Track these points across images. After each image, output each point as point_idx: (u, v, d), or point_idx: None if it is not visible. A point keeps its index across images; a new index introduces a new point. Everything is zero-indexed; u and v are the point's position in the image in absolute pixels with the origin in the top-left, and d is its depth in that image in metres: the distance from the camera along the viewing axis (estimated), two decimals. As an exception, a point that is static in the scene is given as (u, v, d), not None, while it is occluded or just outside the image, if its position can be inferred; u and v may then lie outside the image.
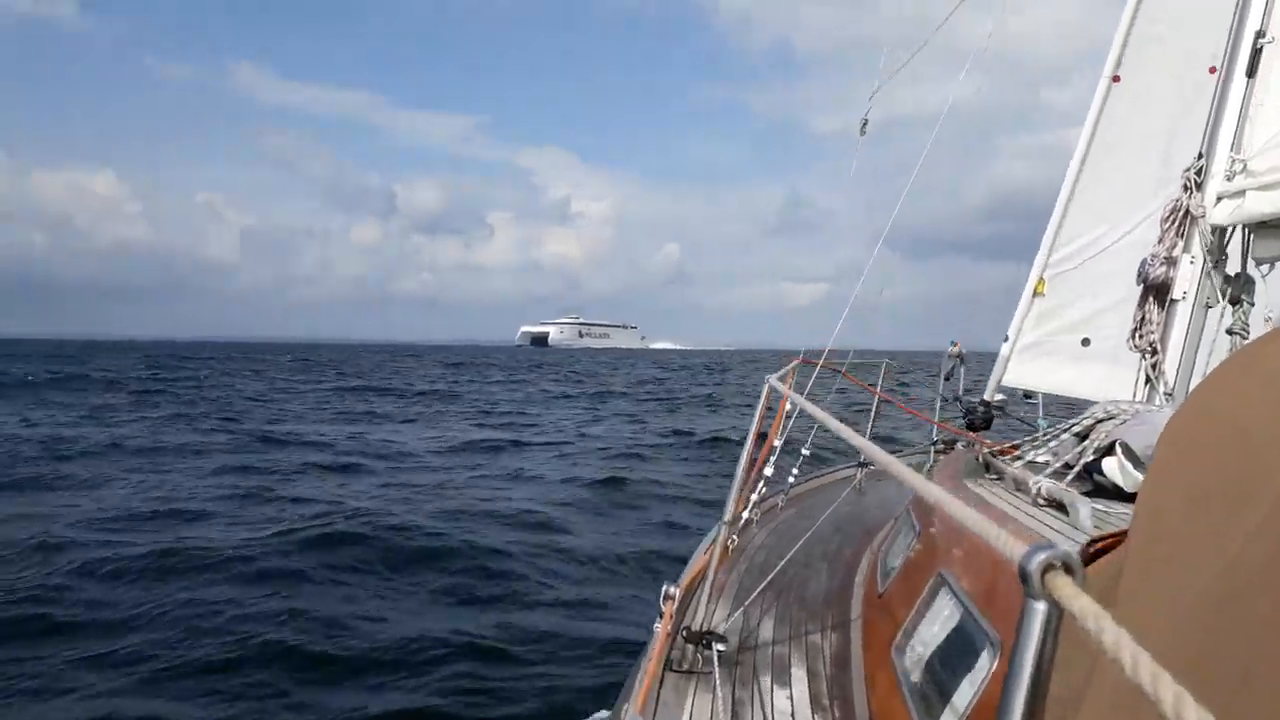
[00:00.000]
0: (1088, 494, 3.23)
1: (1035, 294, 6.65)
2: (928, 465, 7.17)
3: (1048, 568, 0.80)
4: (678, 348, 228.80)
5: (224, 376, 54.60)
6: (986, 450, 4.42)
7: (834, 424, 2.11)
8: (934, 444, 7.69)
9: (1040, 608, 0.82)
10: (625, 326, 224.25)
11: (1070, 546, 2.37)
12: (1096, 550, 2.02)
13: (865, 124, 6.90)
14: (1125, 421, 3.41)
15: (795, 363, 5.05)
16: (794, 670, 3.68)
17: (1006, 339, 6.72)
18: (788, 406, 5.06)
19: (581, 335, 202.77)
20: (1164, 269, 4.32)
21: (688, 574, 4.28)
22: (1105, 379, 6.08)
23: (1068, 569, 0.80)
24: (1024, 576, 0.82)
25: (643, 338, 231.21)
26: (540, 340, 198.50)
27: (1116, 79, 6.33)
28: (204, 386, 43.79)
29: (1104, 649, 0.68)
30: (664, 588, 3.81)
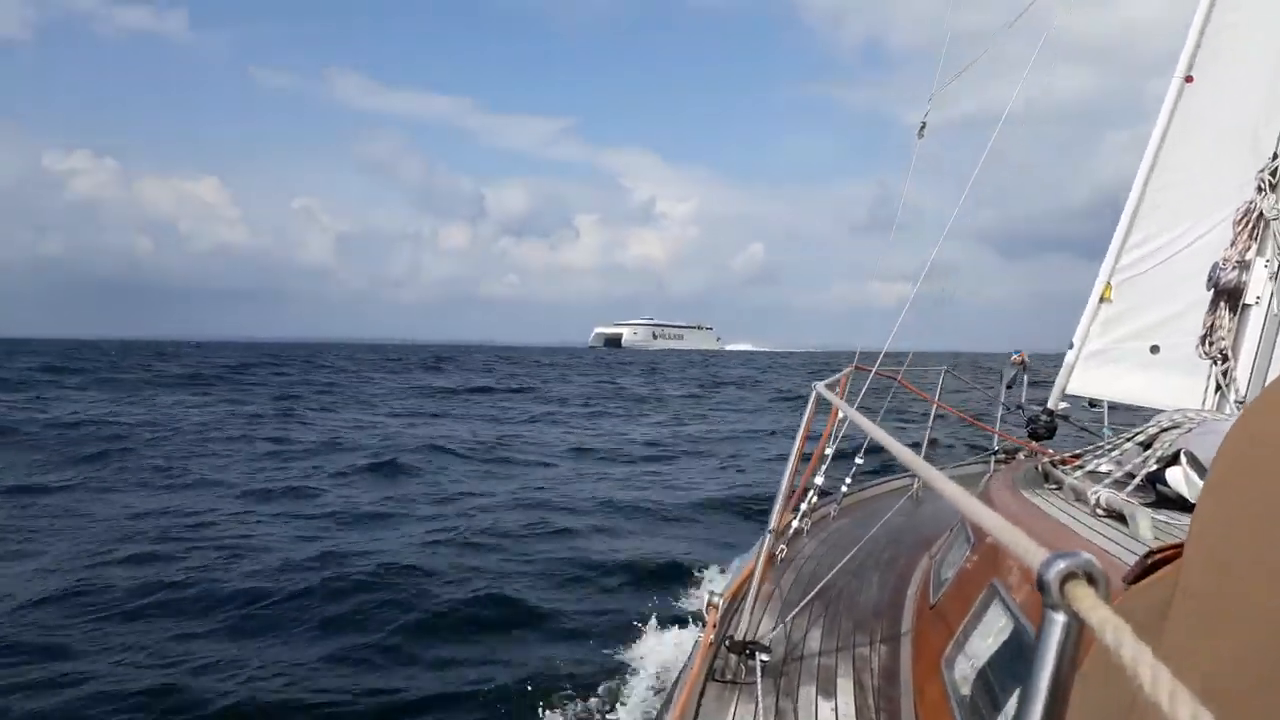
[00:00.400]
0: (1151, 505, 3.11)
1: (1102, 300, 6.46)
2: (987, 475, 6.99)
3: (1068, 577, 0.75)
4: (757, 349, 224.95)
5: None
6: (1047, 459, 4.29)
7: (879, 434, 2.04)
8: (994, 453, 7.50)
9: (1059, 619, 0.77)
10: (700, 327, 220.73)
11: (1129, 558, 2.27)
12: (1155, 562, 1.94)
13: (924, 127, 6.76)
14: (1191, 430, 3.28)
15: (849, 369, 4.96)
16: (840, 681, 3.60)
17: (1071, 346, 6.53)
18: (839, 415, 4.97)
19: (655, 336, 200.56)
20: (1236, 273, 4.16)
21: (733, 583, 4.22)
22: (1174, 387, 5.87)
23: (1090, 579, 0.75)
24: (1042, 586, 0.77)
25: (718, 339, 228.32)
26: (614, 341, 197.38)
27: (1189, 79, 6.12)
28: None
29: (1122, 664, 0.63)
30: (707, 596, 3.76)
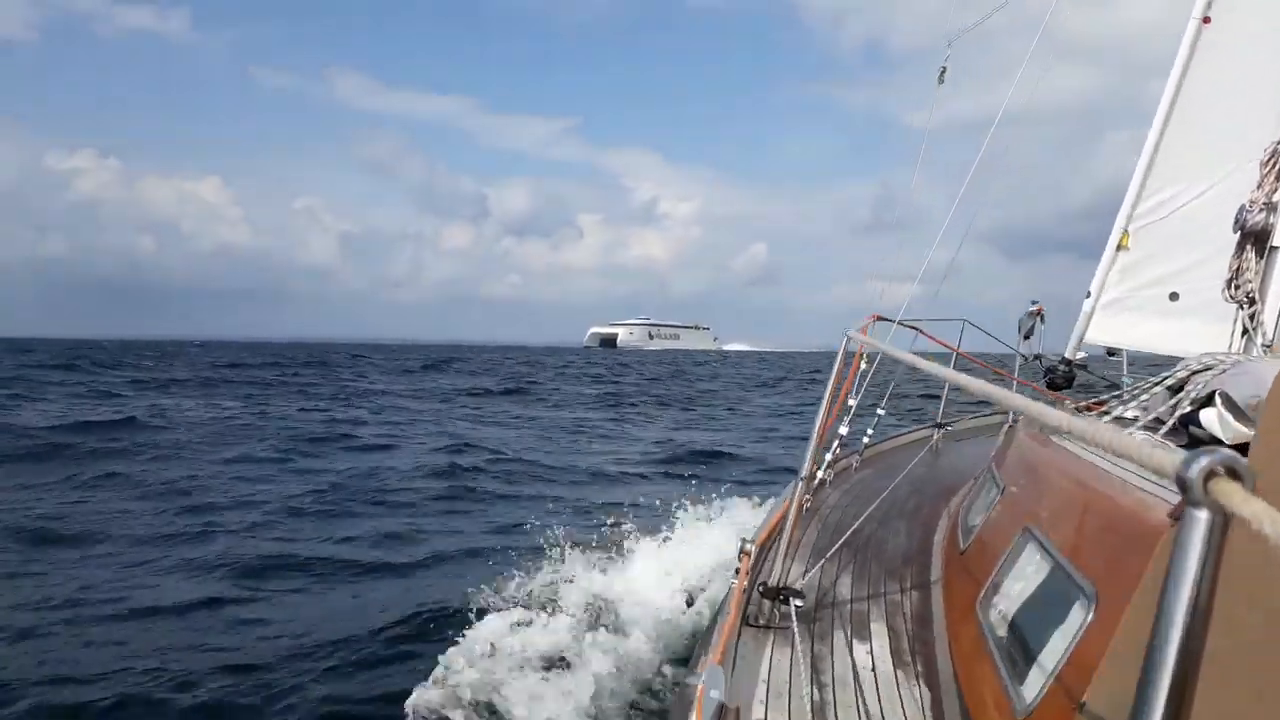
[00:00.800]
0: (1184, 447, 3.11)
1: (1119, 247, 6.42)
2: (1006, 425, 6.99)
3: (1211, 473, 0.75)
4: (754, 349, 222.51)
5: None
6: (1072, 406, 4.29)
7: (925, 364, 2.04)
8: None
9: (1202, 516, 0.77)
10: (697, 327, 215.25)
11: (1171, 498, 2.28)
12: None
13: (944, 71, 6.69)
14: (1225, 371, 3.27)
15: (869, 319, 4.95)
16: (873, 626, 3.63)
17: (1089, 295, 6.50)
18: (862, 365, 4.96)
19: (651, 336, 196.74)
20: (1263, 215, 4.12)
21: (763, 530, 4.24)
22: (1195, 334, 5.85)
23: (1234, 474, 0.74)
24: (1184, 484, 0.76)
25: (715, 339, 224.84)
26: (609, 341, 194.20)
27: (1207, 20, 6.04)
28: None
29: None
30: (740, 543, 3.78)
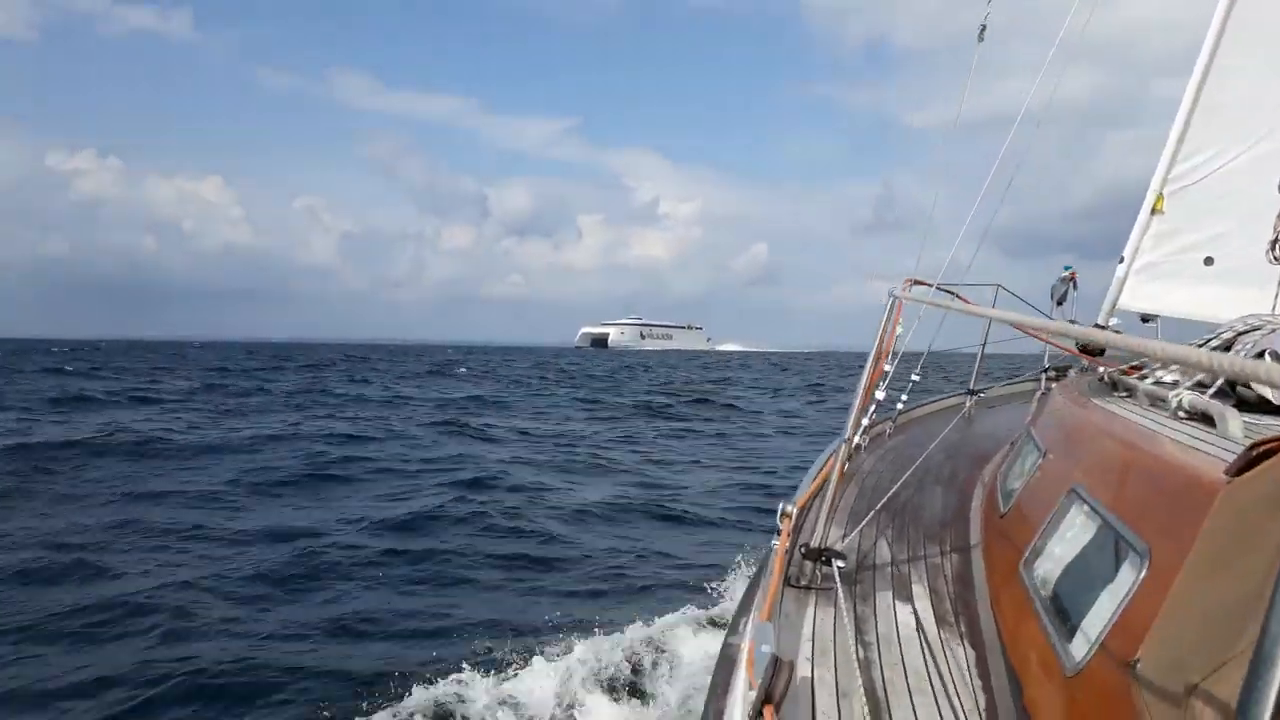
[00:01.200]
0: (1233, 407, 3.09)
1: (1153, 212, 6.36)
2: (1039, 391, 6.98)
3: None
4: (748, 350, 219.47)
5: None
6: (1114, 369, 4.27)
7: (974, 308, 2.04)
8: (1045, 370, 7.47)
9: None
10: (690, 327, 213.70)
11: (1226, 456, 2.27)
12: (1260, 454, 1.94)
13: (984, 30, 6.61)
14: (1274, 331, 3.25)
15: (906, 282, 4.93)
16: (915, 588, 3.65)
17: (1122, 260, 6.45)
18: (898, 330, 4.95)
19: (643, 336, 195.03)
20: (1308, 175, 4.07)
21: (803, 493, 4.26)
22: (1230, 299, 5.80)
23: None
24: None
25: (708, 339, 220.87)
26: (600, 341, 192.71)
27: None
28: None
29: None
30: (780, 505, 3.80)
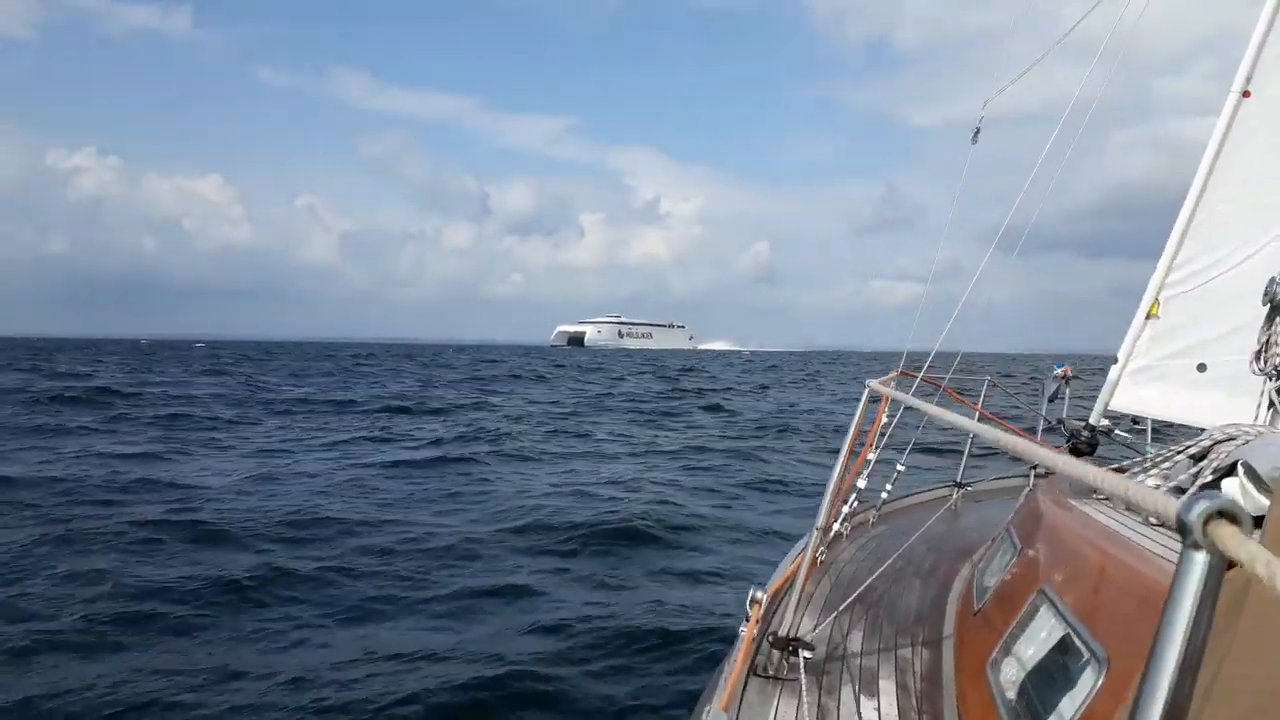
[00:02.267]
0: None
1: (1149, 316, 6.39)
2: (1026, 489, 6.93)
3: (1211, 516, 0.75)
4: (734, 349, 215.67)
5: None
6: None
7: (950, 416, 2.04)
8: (1034, 467, 7.43)
9: (1200, 559, 0.77)
10: (672, 325, 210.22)
11: None
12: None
13: (978, 133, 6.72)
14: (1248, 442, 3.23)
15: (894, 374, 4.94)
16: (882, 683, 3.59)
17: (1116, 361, 6.46)
18: (884, 419, 4.95)
19: (622, 335, 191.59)
20: (1294, 288, 4.09)
21: (775, 579, 4.21)
22: (1221, 407, 5.79)
23: (1233, 519, 0.75)
24: (1183, 527, 0.77)
25: (690, 337, 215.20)
26: (577, 340, 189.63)
27: (1247, 94, 6.05)
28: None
29: (1278, 595, 0.63)
30: (751, 591, 3.76)
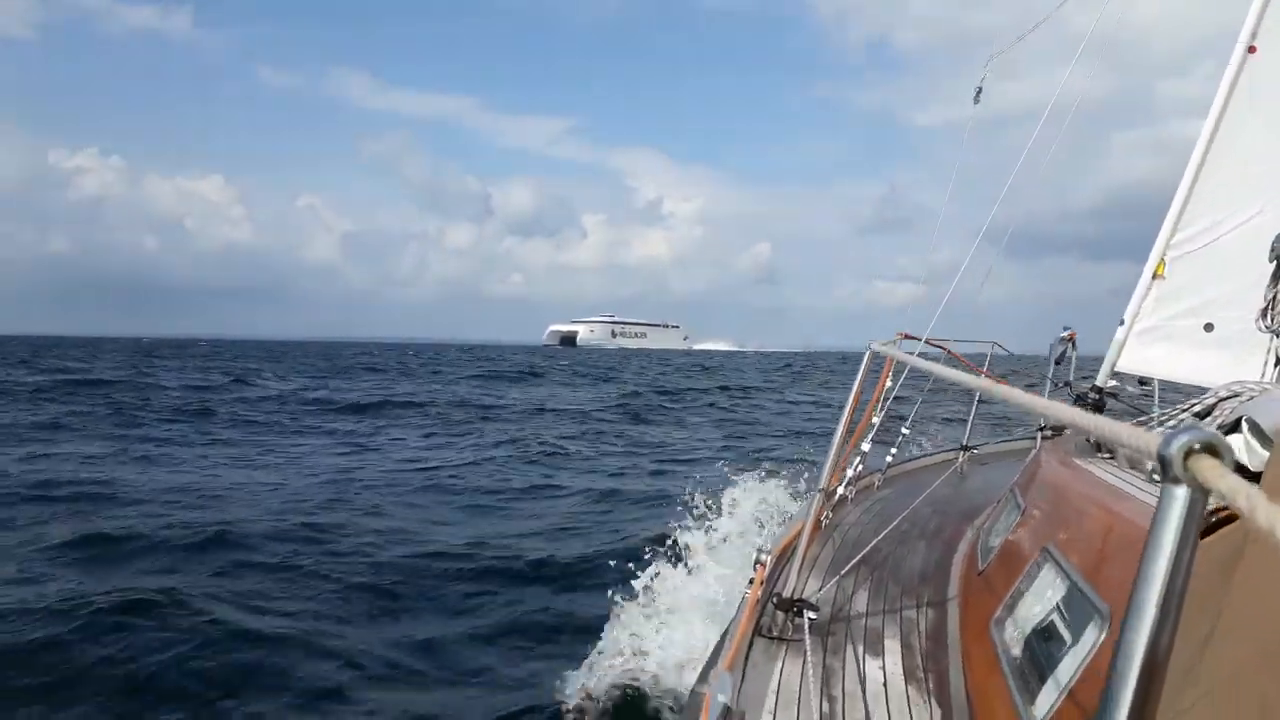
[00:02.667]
0: None
1: (1155, 276, 6.35)
2: (1035, 449, 6.93)
3: (1190, 451, 0.75)
4: (731, 349, 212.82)
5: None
6: None
7: (956, 374, 2.04)
8: (1040, 429, 7.43)
9: (1180, 493, 0.77)
10: (666, 325, 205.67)
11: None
12: (1215, 521, 1.94)
13: (979, 91, 6.67)
14: (1253, 399, 3.23)
15: (897, 337, 4.93)
16: (887, 642, 3.61)
17: (1122, 322, 6.44)
18: (888, 383, 4.95)
19: (615, 335, 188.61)
20: (1300, 244, 4.07)
21: (780, 542, 4.23)
22: (1228, 365, 5.77)
23: (1212, 451, 0.75)
24: (1164, 461, 0.77)
25: (685, 337, 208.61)
26: (569, 340, 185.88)
27: (1252, 49, 5.98)
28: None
29: (1258, 528, 0.63)
30: (756, 553, 3.78)
